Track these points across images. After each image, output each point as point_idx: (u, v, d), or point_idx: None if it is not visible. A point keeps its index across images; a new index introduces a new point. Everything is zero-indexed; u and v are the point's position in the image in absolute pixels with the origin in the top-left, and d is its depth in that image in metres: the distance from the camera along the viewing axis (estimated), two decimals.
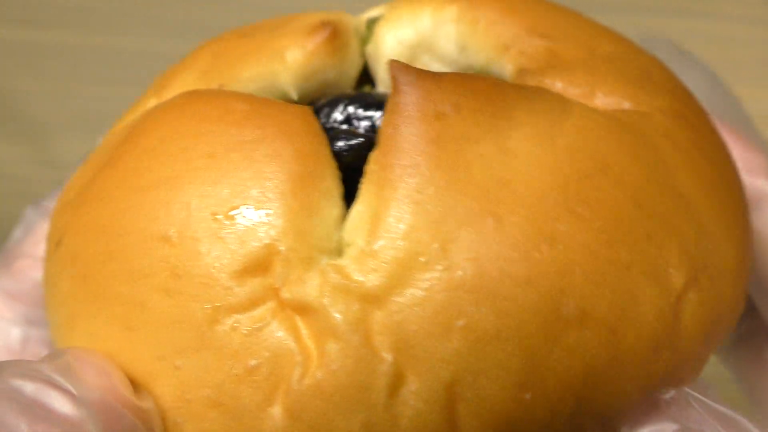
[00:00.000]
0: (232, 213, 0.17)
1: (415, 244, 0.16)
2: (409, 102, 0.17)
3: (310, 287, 0.16)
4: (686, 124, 0.20)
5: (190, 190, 0.17)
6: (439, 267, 0.16)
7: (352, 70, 0.22)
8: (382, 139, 0.17)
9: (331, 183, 0.17)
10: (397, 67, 0.17)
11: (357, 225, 0.17)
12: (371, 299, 0.16)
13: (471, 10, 0.21)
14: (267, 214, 0.16)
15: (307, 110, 0.18)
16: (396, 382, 0.16)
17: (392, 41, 0.22)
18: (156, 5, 0.49)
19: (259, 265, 0.16)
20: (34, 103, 0.49)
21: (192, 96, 0.19)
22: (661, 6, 0.45)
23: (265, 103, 0.18)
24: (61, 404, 0.16)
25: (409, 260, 0.16)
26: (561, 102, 0.18)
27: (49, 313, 0.20)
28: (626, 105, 0.19)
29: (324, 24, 0.21)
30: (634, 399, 0.17)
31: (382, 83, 0.23)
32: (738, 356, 0.24)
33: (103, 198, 0.18)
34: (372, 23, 0.23)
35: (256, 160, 0.17)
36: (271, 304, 0.16)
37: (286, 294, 0.16)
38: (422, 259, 0.16)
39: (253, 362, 0.16)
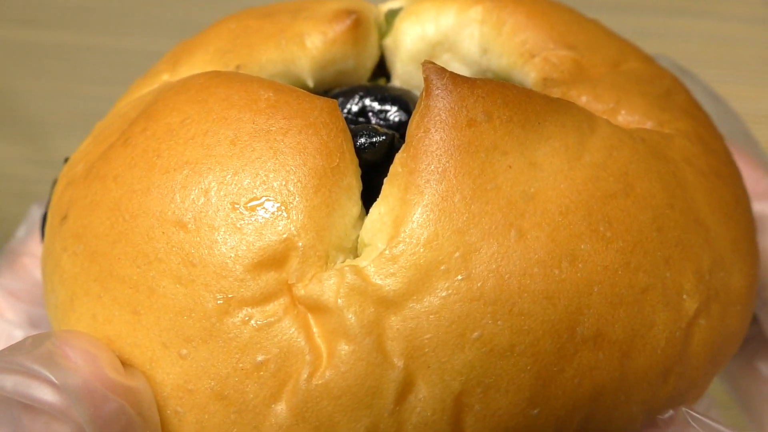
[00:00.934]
0: (252, 204, 0.16)
1: (437, 252, 0.16)
2: (442, 106, 0.17)
3: (326, 286, 0.16)
4: (707, 149, 0.20)
5: (210, 176, 0.17)
6: (459, 277, 0.16)
7: (369, 62, 0.22)
8: (411, 141, 0.17)
9: (353, 180, 0.17)
10: (430, 69, 0.17)
11: (377, 227, 0.16)
12: (387, 303, 0.16)
13: (497, 12, 0.21)
14: (288, 208, 0.16)
15: (333, 104, 0.18)
16: (405, 388, 0.16)
17: (413, 36, 0.22)
18: (156, 5, 0.49)
19: (275, 259, 0.16)
20: (34, 103, 0.49)
21: (215, 78, 0.19)
22: (662, 6, 0.45)
23: (292, 93, 0.18)
24: (44, 394, 0.16)
25: (429, 267, 0.16)
26: (588, 117, 0.18)
27: (46, 291, 0.19)
28: (648, 125, 0.19)
29: (348, 12, 0.21)
30: (638, 420, 0.18)
31: (398, 78, 0.22)
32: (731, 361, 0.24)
33: (117, 176, 0.18)
34: (392, 15, 0.23)
35: (280, 151, 0.17)
36: (284, 300, 0.16)
37: (300, 291, 0.16)
38: (442, 267, 0.16)
39: (261, 357, 0.16)
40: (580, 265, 0.16)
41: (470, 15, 0.21)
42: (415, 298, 0.16)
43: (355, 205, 0.17)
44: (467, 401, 0.16)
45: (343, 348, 0.16)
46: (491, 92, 0.17)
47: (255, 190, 0.16)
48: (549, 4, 0.22)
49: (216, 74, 0.19)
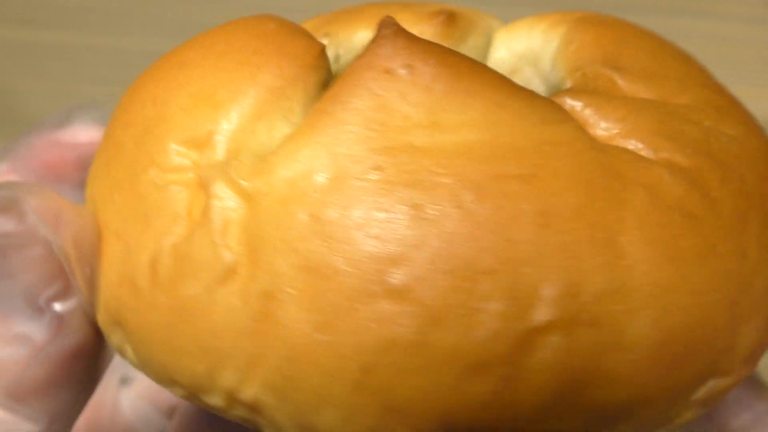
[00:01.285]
0: (200, 99, 0.19)
1: (305, 172, 0.17)
2: (374, 52, 0.18)
3: (217, 173, 0.18)
4: (694, 188, 0.18)
5: (189, 72, 0.19)
6: (315, 195, 0.17)
7: None
8: (337, 79, 0.18)
9: (297, 107, 0.18)
10: (385, 20, 0.18)
11: (283, 142, 0.18)
12: (247, 198, 0.17)
13: (573, 33, 0.21)
14: (222, 106, 0.18)
15: (319, 46, 0.19)
16: (229, 274, 0.17)
17: (503, 49, 0.23)
18: (156, 5, 0.49)
19: (199, 142, 0.18)
20: (34, 103, 0.49)
21: (252, 17, 0.21)
22: (661, 6, 0.45)
23: (294, 28, 0.20)
24: (9, 225, 0.18)
25: (293, 180, 0.17)
26: (548, 111, 0.18)
27: None
28: (631, 145, 0.18)
29: (444, 11, 0.22)
30: (431, 401, 0.16)
31: None
32: None
33: (147, 72, 0.21)
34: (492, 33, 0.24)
35: (247, 64, 0.19)
36: (190, 175, 0.18)
37: (203, 172, 0.18)
38: (303, 183, 0.17)
39: (153, 213, 0.18)
40: (419, 221, 0.16)
41: (553, 34, 0.22)
42: (269, 200, 0.17)
43: (289, 127, 0.18)
44: (273, 307, 0.16)
45: (202, 223, 0.17)
46: (427, 52, 0.18)
47: (210, 90, 0.19)
48: (634, 32, 0.22)
49: (256, 15, 0.21)
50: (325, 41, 0.23)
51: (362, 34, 0.23)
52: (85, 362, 0.19)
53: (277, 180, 0.17)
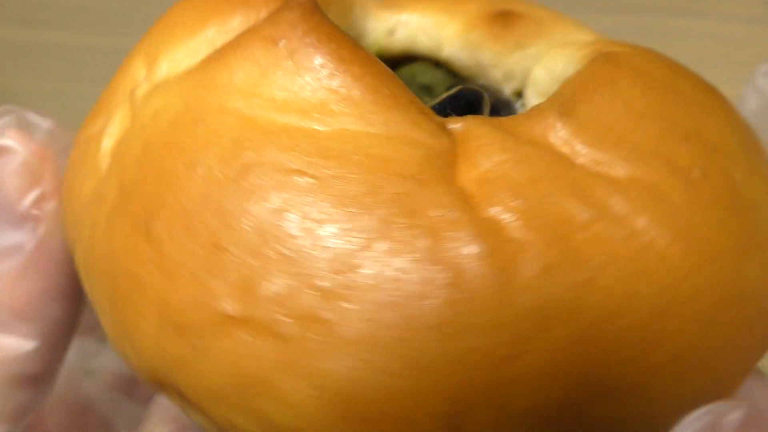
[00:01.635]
0: (170, 27, 0.20)
1: (166, 106, 0.18)
2: (270, 20, 0.18)
3: (135, 91, 0.19)
4: (489, 264, 0.15)
5: (184, 5, 0.21)
6: (156, 128, 0.18)
7: (516, 73, 0.22)
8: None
9: (208, 42, 0.20)
10: None
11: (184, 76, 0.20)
12: (132, 116, 0.19)
13: (586, 65, 0.20)
14: (178, 40, 0.20)
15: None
16: (95, 171, 0.19)
17: (544, 69, 0.22)
18: (156, 5, 0.49)
19: (151, 62, 0.20)
20: (34, 103, 0.49)
21: None
22: (661, 6, 0.45)
23: None
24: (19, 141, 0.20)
25: (157, 110, 0.18)
26: (404, 126, 0.17)
27: None
28: (479, 192, 0.16)
29: (502, 14, 0.22)
30: (142, 344, 0.17)
31: (522, 106, 0.23)
32: None
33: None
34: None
35: (210, 8, 0.20)
36: (128, 95, 0.20)
37: (135, 93, 0.19)
38: (159, 115, 0.18)
39: (101, 112, 0.20)
40: (195, 178, 0.17)
41: (581, 63, 0.21)
42: (139, 123, 0.18)
43: (186, 55, 0.20)
44: (99, 209, 0.18)
45: (105, 126, 0.19)
46: (311, 30, 0.18)
47: (178, 21, 0.20)
48: (643, 85, 0.18)
49: None
50: (386, 13, 0.23)
51: (432, 13, 0.23)
52: (69, 270, 0.20)
53: (150, 106, 0.18)
